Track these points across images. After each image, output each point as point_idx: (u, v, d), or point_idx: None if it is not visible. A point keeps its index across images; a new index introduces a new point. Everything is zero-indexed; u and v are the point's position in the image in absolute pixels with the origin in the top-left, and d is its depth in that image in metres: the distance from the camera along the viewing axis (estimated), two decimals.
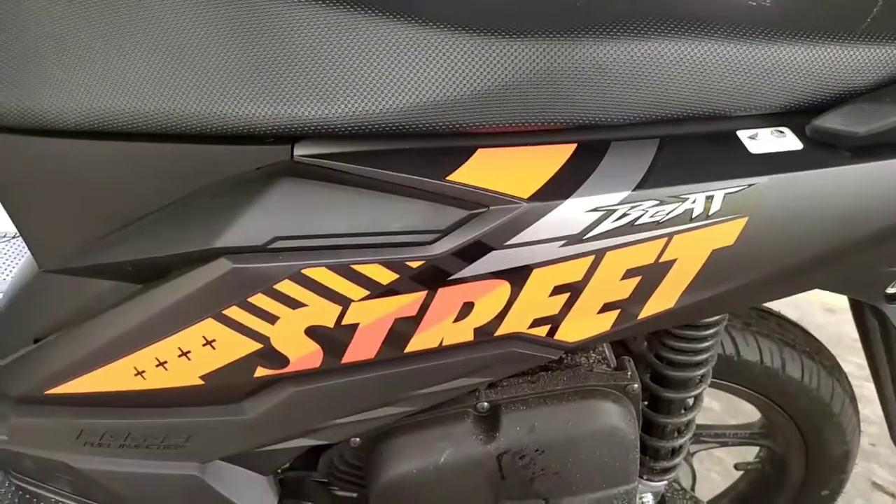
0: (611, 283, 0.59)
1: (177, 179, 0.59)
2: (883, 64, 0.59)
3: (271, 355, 0.61)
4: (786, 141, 0.59)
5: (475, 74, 0.54)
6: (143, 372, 0.63)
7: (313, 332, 0.60)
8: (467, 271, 0.57)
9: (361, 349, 0.61)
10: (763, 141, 0.59)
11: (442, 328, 0.61)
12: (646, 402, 0.89)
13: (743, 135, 0.59)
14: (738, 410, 1.49)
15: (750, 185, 0.56)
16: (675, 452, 0.92)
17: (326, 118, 0.54)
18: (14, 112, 0.56)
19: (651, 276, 0.59)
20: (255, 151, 0.58)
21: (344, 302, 0.58)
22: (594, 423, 0.75)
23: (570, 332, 0.63)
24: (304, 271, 0.56)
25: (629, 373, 0.78)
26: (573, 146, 0.58)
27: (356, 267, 0.56)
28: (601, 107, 0.57)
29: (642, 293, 0.61)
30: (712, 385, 0.94)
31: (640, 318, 0.63)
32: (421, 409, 0.71)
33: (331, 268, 0.56)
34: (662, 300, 0.61)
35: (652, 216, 0.56)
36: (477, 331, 0.61)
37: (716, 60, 0.56)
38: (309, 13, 0.53)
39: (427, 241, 0.56)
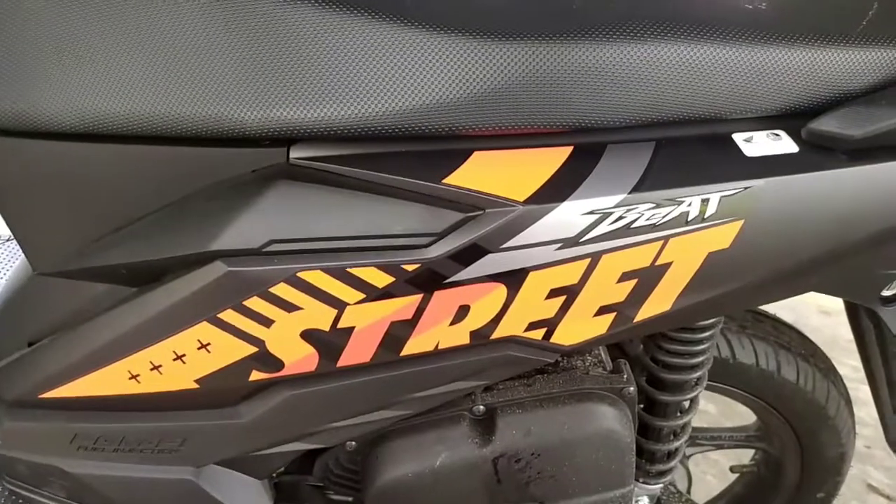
0: (607, 286, 0.59)
1: (172, 182, 0.59)
2: (879, 67, 0.59)
3: (266, 359, 0.61)
4: (781, 144, 0.59)
5: (471, 77, 0.54)
6: (138, 375, 0.62)
7: (309, 336, 0.59)
8: (463, 274, 0.57)
9: (357, 352, 0.61)
10: (759, 144, 0.59)
11: (438, 331, 0.61)
12: (642, 405, 0.89)
13: (739, 138, 0.60)
14: (734, 413, 1.49)
15: (746, 188, 0.56)
16: (670, 455, 0.92)
17: (322, 121, 0.54)
18: (9, 114, 0.55)
19: (647, 279, 0.59)
20: (250, 154, 0.58)
21: (339, 305, 0.58)
22: (590, 426, 0.75)
23: (566, 335, 0.63)
24: (299, 274, 0.56)
25: (625, 376, 0.78)
26: (569, 149, 0.58)
27: (352, 270, 0.56)
28: (597, 109, 0.57)
29: (638, 296, 0.61)
30: (708, 388, 0.94)
31: (636, 321, 0.63)
32: (417, 413, 0.71)
33: (326, 271, 0.56)
34: (658, 303, 0.61)
35: (648, 219, 0.56)
36: (473, 334, 0.61)
37: (712, 63, 0.56)
38: (304, 16, 0.53)
39: (423, 244, 0.56)
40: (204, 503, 0.73)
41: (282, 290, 0.56)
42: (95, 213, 0.61)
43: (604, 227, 0.56)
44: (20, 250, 0.65)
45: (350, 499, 0.88)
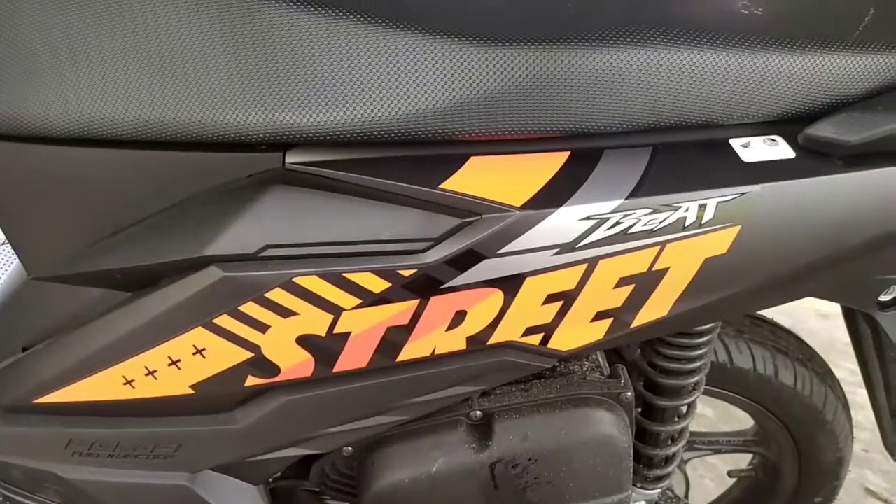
0: (604, 292, 0.59)
1: (167, 187, 0.59)
2: (875, 72, 0.59)
3: (262, 364, 0.60)
4: (778, 149, 0.59)
5: (468, 82, 0.54)
6: (133, 381, 0.62)
7: (305, 341, 0.59)
8: (460, 280, 0.57)
9: (353, 358, 0.61)
10: (755, 149, 0.59)
11: (434, 337, 0.60)
12: (639, 410, 0.89)
13: (735, 143, 0.60)
14: (732, 417, 1.48)
15: (742, 194, 0.56)
16: (668, 460, 0.92)
17: (318, 125, 0.54)
18: (3, 118, 0.55)
19: (644, 284, 0.59)
20: (246, 159, 0.58)
21: (335, 310, 0.57)
22: (587, 431, 0.75)
23: (563, 340, 0.63)
24: (295, 280, 0.56)
25: (622, 381, 0.78)
26: (566, 154, 0.58)
27: (348, 275, 0.56)
28: (594, 115, 0.57)
29: (635, 301, 0.60)
30: (706, 392, 0.94)
31: (633, 326, 0.62)
32: (413, 418, 0.71)
33: (322, 276, 0.56)
34: (655, 308, 0.61)
35: (645, 224, 0.56)
36: (470, 339, 0.61)
37: (709, 69, 0.56)
38: (300, 20, 0.53)
39: (419, 249, 0.56)
40: None
41: (277, 295, 0.56)
42: (90, 218, 0.61)
43: (600, 233, 0.56)
44: (14, 255, 0.65)
45: None
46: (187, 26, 0.53)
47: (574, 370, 0.79)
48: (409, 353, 0.61)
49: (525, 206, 0.55)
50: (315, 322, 0.58)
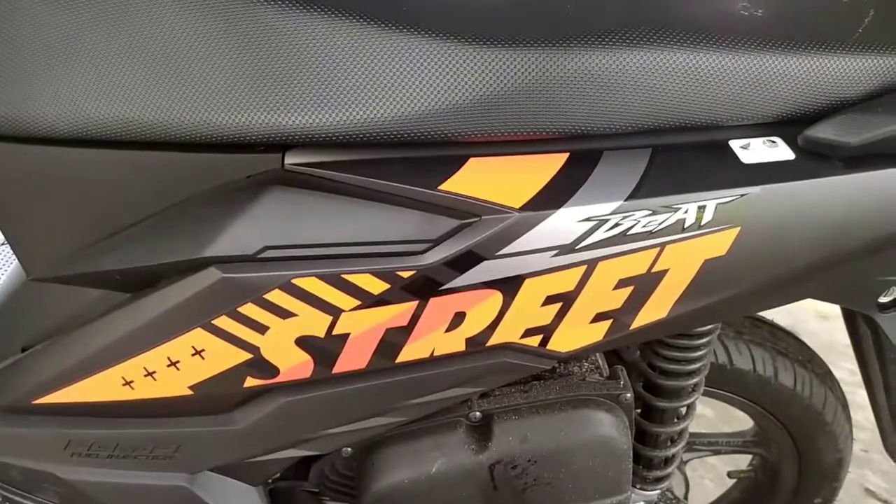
0: (603, 293, 0.59)
1: (166, 188, 0.59)
2: (874, 74, 0.59)
3: (261, 365, 0.60)
4: (778, 151, 0.59)
5: (467, 83, 0.54)
6: (132, 382, 0.62)
7: (304, 342, 0.59)
8: (459, 281, 0.57)
9: (352, 359, 0.61)
10: (755, 151, 0.59)
11: (433, 338, 0.60)
12: (639, 411, 0.89)
13: (735, 144, 0.60)
14: (732, 418, 1.48)
15: (742, 195, 0.56)
16: (668, 461, 0.91)
17: (317, 127, 0.54)
18: (3, 119, 0.55)
19: (643, 285, 0.59)
20: (245, 160, 0.57)
21: (334, 312, 0.57)
22: (587, 432, 0.75)
23: (562, 341, 0.63)
24: (294, 281, 0.56)
25: (622, 382, 0.78)
26: (565, 155, 0.58)
27: (347, 277, 0.56)
28: (593, 116, 0.57)
29: (635, 303, 0.60)
30: (705, 393, 0.94)
31: (632, 327, 0.62)
32: (413, 420, 0.71)
33: (321, 277, 0.56)
34: (655, 310, 0.61)
35: (644, 226, 0.56)
36: (469, 341, 0.61)
37: (708, 70, 0.56)
38: (299, 22, 0.53)
39: (418, 250, 0.56)
40: None
41: (276, 296, 0.56)
42: (90, 219, 0.61)
43: (600, 234, 0.56)
44: (13, 255, 0.65)
45: None
46: (186, 28, 0.53)
47: (573, 371, 0.79)
48: (408, 354, 0.61)
49: (524, 208, 0.55)
50: (314, 323, 0.58)
